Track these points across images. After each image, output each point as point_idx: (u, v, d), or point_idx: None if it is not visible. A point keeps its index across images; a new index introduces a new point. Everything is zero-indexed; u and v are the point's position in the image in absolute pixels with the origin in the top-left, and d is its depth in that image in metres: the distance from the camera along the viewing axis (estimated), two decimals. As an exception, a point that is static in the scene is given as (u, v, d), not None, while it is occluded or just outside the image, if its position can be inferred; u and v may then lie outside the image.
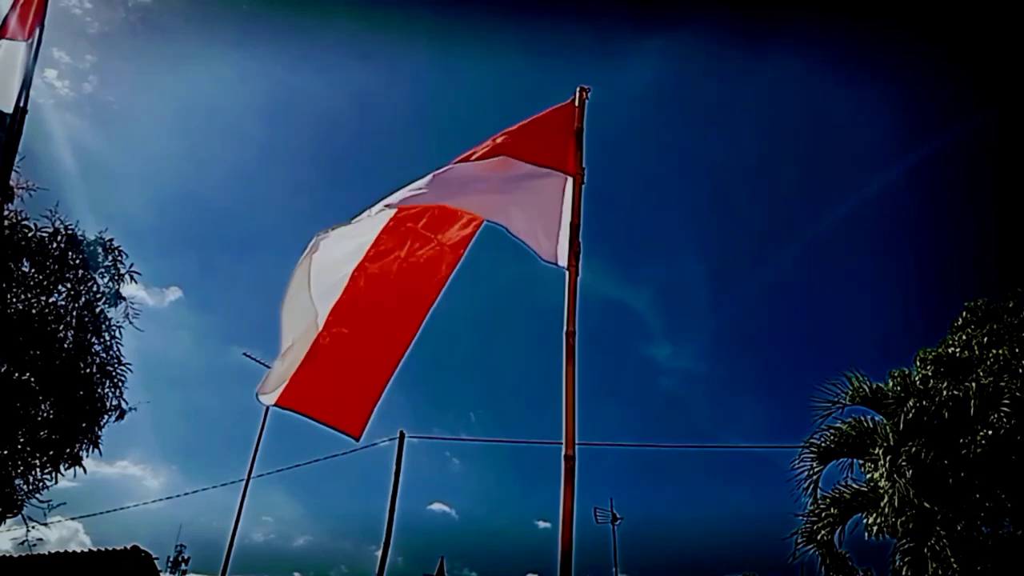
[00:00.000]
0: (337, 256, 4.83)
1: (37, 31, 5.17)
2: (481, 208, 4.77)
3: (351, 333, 4.77)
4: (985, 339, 12.79)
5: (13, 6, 5.19)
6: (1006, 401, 11.32)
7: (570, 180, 4.71)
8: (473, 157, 4.76)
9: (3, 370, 11.34)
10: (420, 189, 4.63)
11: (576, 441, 3.72)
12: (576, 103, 4.92)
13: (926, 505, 11.57)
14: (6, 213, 11.50)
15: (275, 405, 4.59)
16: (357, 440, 4.69)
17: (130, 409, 12.80)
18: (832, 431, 13.02)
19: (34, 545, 12.59)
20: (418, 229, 4.91)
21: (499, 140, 4.84)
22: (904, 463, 11.71)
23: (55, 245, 12.07)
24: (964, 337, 13.28)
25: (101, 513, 21.06)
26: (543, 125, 4.97)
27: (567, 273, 4.29)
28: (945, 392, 12.01)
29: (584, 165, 4.72)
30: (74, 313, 12.14)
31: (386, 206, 4.64)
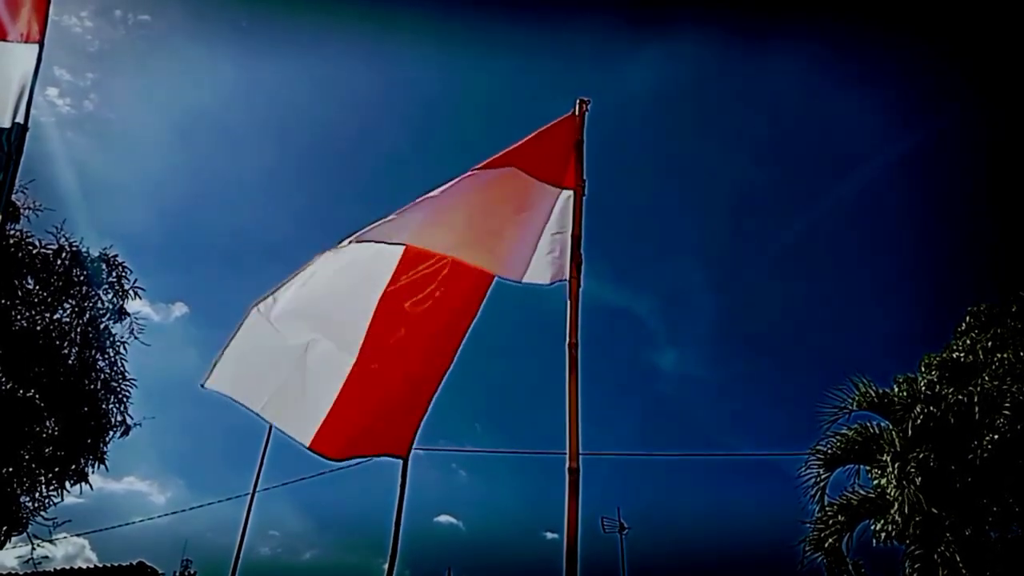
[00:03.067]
0: (341, 287, 4.74)
1: (37, 48, 5.17)
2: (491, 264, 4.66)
3: (382, 368, 4.72)
4: (989, 343, 12.75)
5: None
6: (1007, 405, 11.30)
7: (565, 194, 4.69)
8: (480, 165, 4.74)
9: (8, 387, 11.37)
10: (426, 225, 4.55)
11: (580, 452, 3.70)
12: (576, 115, 4.92)
13: (934, 511, 11.52)
14: (11, 232, 11.57)
15: (310, 448, 4.55)
16: (404, 458, 4.68)
17: (135, 425, 12.82)
18: (839, 437, 12.97)
19: (39, 563, 12.58)
20: (439, 270, 4.84)
21: (508, 151, 4.81)
22: (913, 469, 11.68)
23: (59, 262, 12.12)
24: (968, 342, 13.23)
25: (106, 529, 20.96)
26: (546, 138, 4.95)
27: (568, 286, 4.27)
28: (951, 397, 11.98)
29: (584, 178, 4.71)
30: (78, 330, 12.17)
31: (394, 242, 4.58)
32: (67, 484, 12.05)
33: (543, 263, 4.49)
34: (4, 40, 5.13)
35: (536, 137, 4.94)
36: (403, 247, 4.68)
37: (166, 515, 22.95)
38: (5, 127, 4.92)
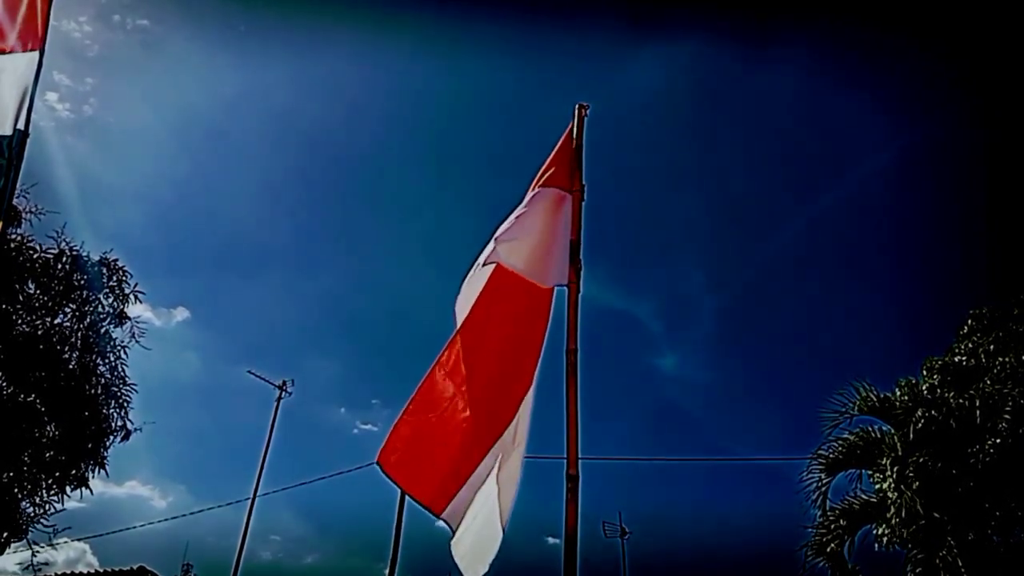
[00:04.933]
0: (460, 305, 4.58)
1: (38, 56, 5.18)
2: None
3: (448, 396, 4.32)
4: (991, 347, 12.72)
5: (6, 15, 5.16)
6: (1008, 408, 11.28)
7: (568, 197, 4.67)
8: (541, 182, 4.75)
9: (8, 392, 11.36)
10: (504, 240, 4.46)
11: (579, 458, 3.69)
12: (575, 120, 4.90)
13: (935, 515, 11.49)
14: (12, 236, 11.57)
15: (378, 465, 4.14)
16: (438, 516, 4.14)
17: (135, 430, 12.79)
18: (840, 442, 12.96)
19: (39, 570, 12.55)
20: (512, 289, 4.48)
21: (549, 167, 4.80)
22: (911, 473, 11.65)
23: (60, 266, 12.13)
24: (970, 345, 13.21)
25: (107, 533, 20.98)
26: (560, 146, 4.93)
27: (567, 290, 4.26)
28: (952, 401, 11.96)
29: (584, 182, 4.69)
30: (79, 334, 12.16)
31: (487, 262, 4.43)
32: (68, 489, 12.02)
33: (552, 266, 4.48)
34: (4, 52, 5.17)
35: (558, 148, 4.93)
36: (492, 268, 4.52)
37: (167, 520, 23.00)
38: (6, 134, 4.94)
